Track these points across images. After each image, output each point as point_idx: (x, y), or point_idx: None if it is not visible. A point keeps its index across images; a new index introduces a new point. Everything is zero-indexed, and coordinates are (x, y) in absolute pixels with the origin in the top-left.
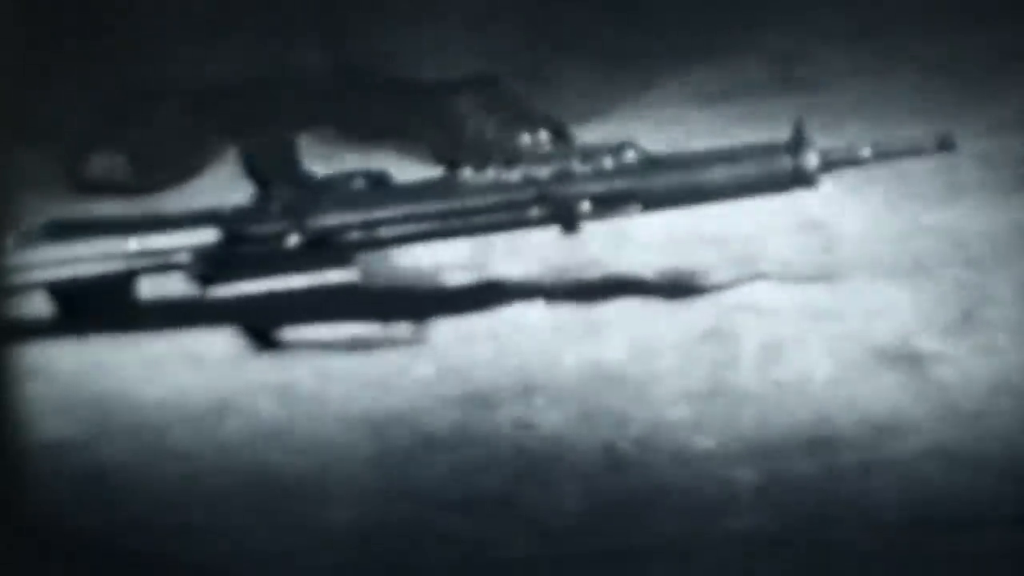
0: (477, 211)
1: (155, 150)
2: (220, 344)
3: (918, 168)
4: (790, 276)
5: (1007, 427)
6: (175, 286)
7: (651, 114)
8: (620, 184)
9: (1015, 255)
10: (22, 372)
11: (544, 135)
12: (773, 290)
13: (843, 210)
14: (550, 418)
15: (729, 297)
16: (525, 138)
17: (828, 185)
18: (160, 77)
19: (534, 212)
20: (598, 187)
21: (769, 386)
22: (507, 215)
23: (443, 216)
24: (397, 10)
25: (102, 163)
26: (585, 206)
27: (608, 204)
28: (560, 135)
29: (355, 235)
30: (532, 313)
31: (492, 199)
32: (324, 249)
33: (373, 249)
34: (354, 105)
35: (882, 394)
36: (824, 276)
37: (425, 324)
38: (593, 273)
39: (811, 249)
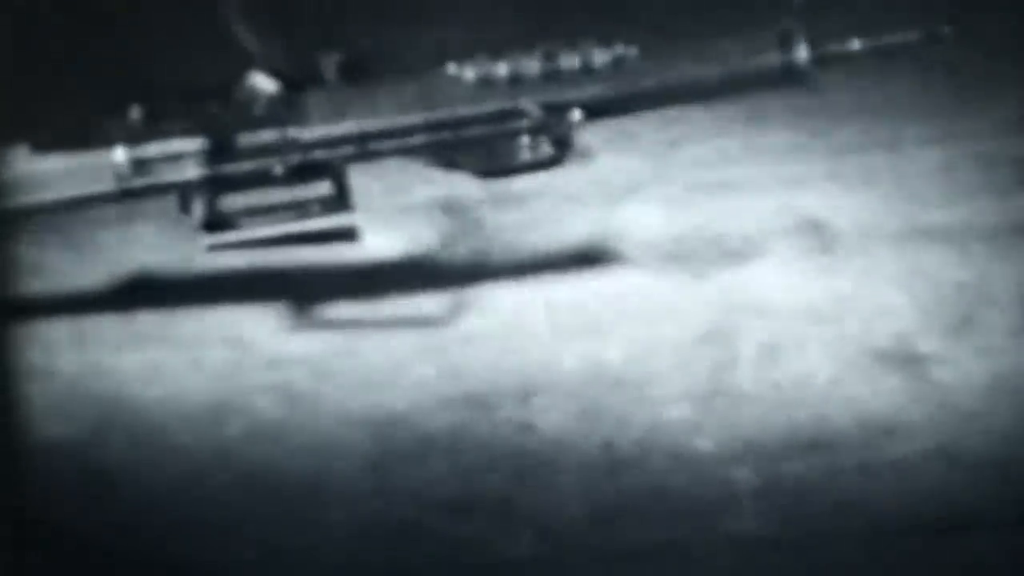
0: (466, 122)
1: None
2: (219, 345)
3: (918, 169)
4: (789, 277)
5: (1006, 428)
6: (184, 252)
7: (651, 114)
8: (611, 87)
9: (1014, 256)
10: (22, 372)
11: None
12: (772, 291)
13: (842, 211)
14: (550, 419)
15: (728, 298)
16: (524, 139)
17: (827, 185)
18: (160, 77)
19: (524, 122)
20: (588, 90)
21: (768, 387)
22: (497, 126)
23: (432, 128)
24: (397, 9)
25: None
26: (576, 115)
27: (599, 111)
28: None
29: (345, 150)
30: (531, 313)
31: (483, 108)
32: (316, 175)
33: (363, 162)
34: None
35: (881, 395)
36: (823, 277)
37: (457, 300)
38: (591, 273)
39: (810, 250)
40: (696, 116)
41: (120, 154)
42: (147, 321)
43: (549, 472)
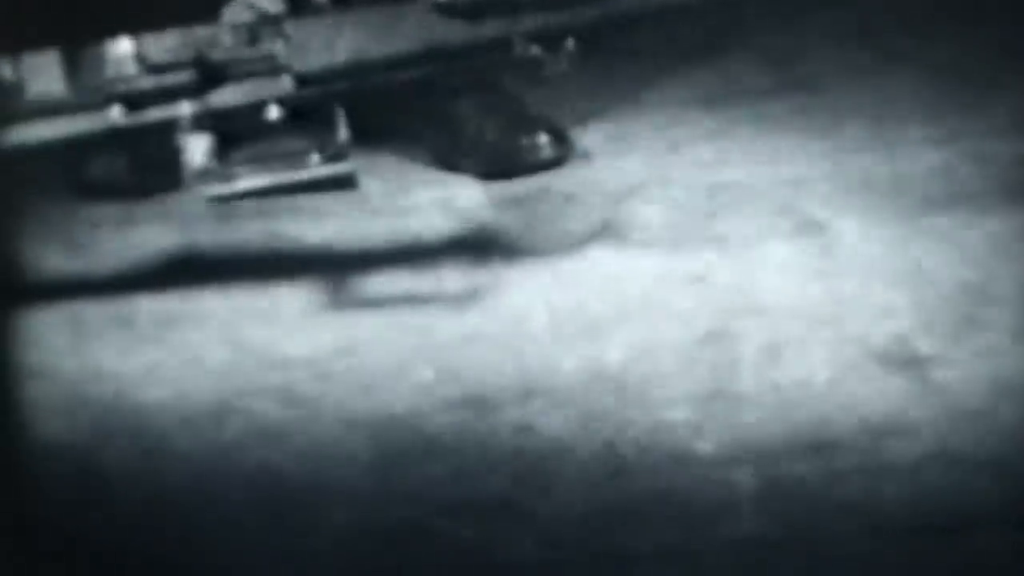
0: (459, 53)
1: (155, 153)
2: (220, 346)
3: (917, 170)
4: (790, 278)
5: (1007, 429)
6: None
7: (650, 115)
8: (602, 9)
9: (1015, 257)
10: (24, 374)
11: (543, 137)
12: (773, 292)
13: (842, 212)
14: (550, 421)
15: (729, 299)
16: (524, 139)
17: (827, 186)
18: (148, 6)
19: (518, 51)
20: (581, 14)
21: (769, 389)
22: (491, 57)
23: (425, 58)
24: None
25: (102, 166)
26: (570, 44)
27: (591, 37)
28: (559, 137)
29: (340, 86)
30: (532, 315)
31: (475, 36)
32: (313, 122)
33: (359, 103)
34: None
35: (882, 397)
36: (824, 278)
37: (457, 301)
38: (591, 275)
39: (811, 252)
40: (695, 117)
41: (111, 88)
42: (147, 323)
43: (549, 474)
